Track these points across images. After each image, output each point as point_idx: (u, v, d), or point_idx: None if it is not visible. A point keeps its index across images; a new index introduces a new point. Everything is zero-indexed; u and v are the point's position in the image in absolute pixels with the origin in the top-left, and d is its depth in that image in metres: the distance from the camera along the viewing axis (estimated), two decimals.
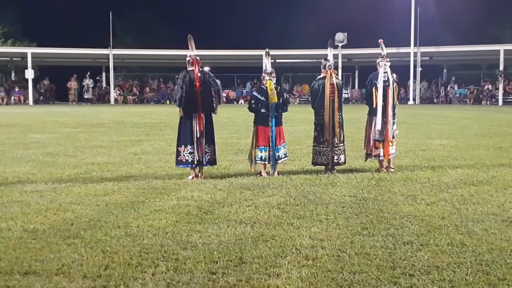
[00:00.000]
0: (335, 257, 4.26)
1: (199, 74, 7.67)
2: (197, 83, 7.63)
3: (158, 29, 50.92)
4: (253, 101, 8.03)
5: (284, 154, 8.11)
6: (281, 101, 7.99)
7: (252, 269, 4.01)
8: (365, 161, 8.56)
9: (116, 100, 38.86)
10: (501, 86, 35.63)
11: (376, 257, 4.26)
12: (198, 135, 7.64)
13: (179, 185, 7.21)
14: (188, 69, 7.77)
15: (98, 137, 13.41)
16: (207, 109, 7.74)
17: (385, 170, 8.20)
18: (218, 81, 7.99)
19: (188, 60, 7.77)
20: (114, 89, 39.29)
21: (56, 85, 39.95)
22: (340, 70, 33.89)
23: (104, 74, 41.64)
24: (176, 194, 6.58)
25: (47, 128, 16.15)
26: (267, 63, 8.27)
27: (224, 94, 39.14)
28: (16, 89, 37.62)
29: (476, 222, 5.25)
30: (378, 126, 8.16)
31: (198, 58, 7.75)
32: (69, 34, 44.21)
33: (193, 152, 7.62)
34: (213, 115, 7.87)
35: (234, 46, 39.39)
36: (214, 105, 7.83)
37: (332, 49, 8.48)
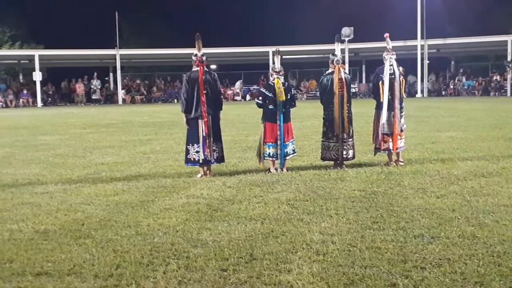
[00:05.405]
0: (346, 252, 4.25)
1: (203, 77, 7.62)
2: (201, 86, 7.58)
3: (164, 28, 50.92)
4: (260, 98, 8.04)
5: (293, 150, 8.10)
6: (289, 97, 7.98)
7: (263, 265, 4.01)
8: (374, 155, 8.53)
9: (124, 100, 38.98)
10: (509, 77, 35.43)
11: (387, 251, 4.25)
12: (204, 134, 7.62)
13: (188, 183, 7.23)
14: (193, 69, 7.75)
15: (107, 137, 13.45)
16: (212, 110, 7.70)
17: (394, 163, 8.17)
18: (219, 85, 8.02)
19: (194, 61, 7.73)
20: (121, 89, 39.40)
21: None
22: (347, 65, 33.80)
23: (111, 74, 41.76)
24: (186, 192, 6.59)
25: (56, 129, 16.23)
26: (276, 61, 8.24)
27: (230, 92, 39.22)
28: (25, 92, 37.81)
29: (487, 214, 5.23)
30: (385, 120, 8.14)
31: (204, 59, 7.71)
32: (76, 35, 44.49)
33: (200, 151, 7.63)
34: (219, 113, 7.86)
35: (240, 43, 39.34)
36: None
37: (339, 44, 8.46)
